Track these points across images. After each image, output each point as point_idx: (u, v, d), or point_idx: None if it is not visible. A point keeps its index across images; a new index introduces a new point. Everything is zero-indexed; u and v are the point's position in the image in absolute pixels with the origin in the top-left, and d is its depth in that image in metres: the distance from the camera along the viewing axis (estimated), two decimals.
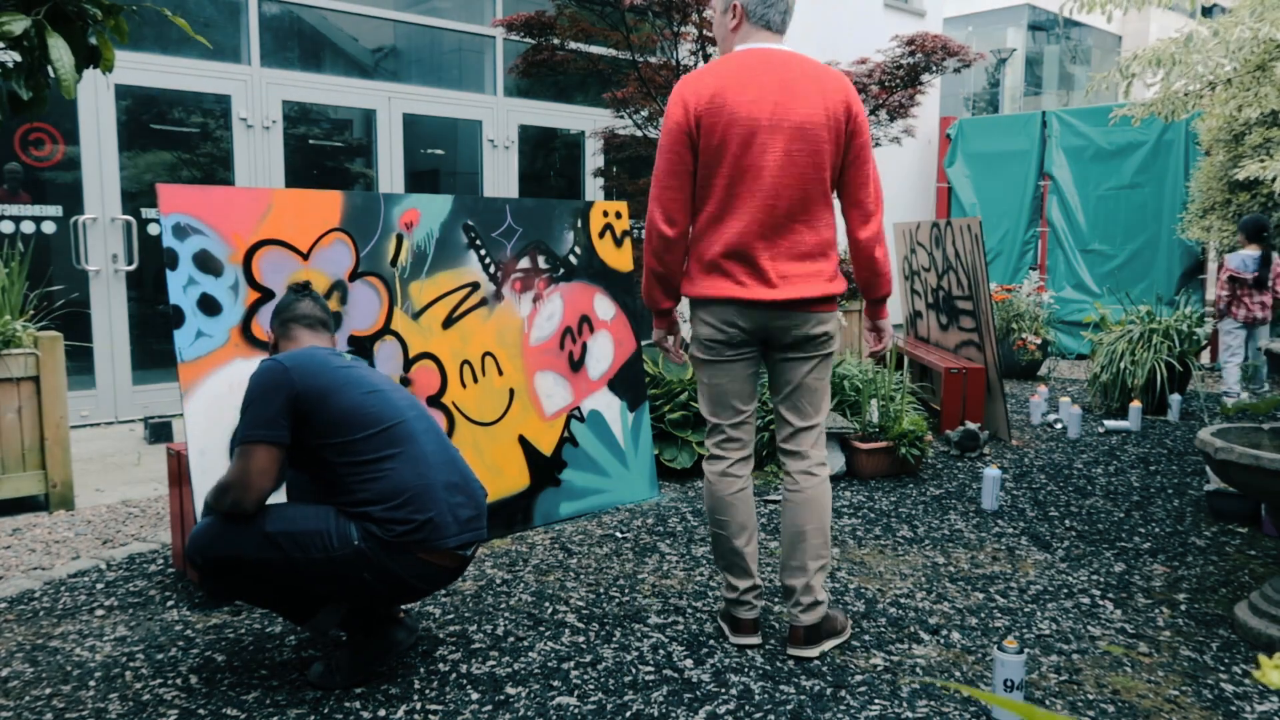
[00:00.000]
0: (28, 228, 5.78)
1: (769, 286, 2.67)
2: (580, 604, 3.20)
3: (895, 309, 9.49)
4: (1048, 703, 2.54)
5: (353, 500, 2.43)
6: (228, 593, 2.57)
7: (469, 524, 2.57)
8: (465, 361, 3.86)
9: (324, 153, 7.31)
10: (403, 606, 2.85)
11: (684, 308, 2.91)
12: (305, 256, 3.41)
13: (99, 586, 3.37)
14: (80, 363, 5.87)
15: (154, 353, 6.32)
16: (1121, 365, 6.68)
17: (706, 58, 5.54)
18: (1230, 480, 3.05)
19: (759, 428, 5.06)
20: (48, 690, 2.59)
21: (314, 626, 2.54)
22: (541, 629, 3.00)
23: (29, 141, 5.75)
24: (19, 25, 2.22)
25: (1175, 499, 4.60)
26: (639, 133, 5.99)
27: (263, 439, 2.37)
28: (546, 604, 3.20)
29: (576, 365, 4.21)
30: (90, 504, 4.41)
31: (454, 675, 2.67)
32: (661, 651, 2.83)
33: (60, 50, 2.28)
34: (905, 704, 2.52)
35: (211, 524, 2.46)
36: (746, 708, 2.48)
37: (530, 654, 2.81)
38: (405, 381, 3.67)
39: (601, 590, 3.32)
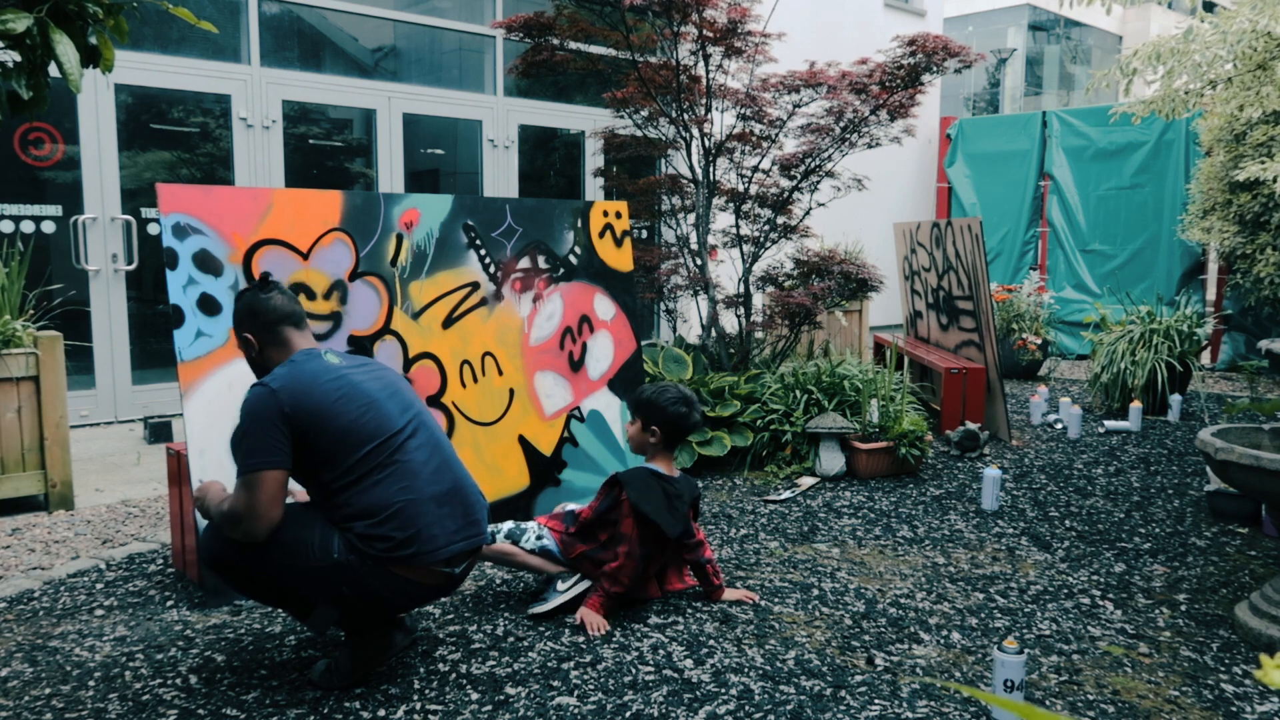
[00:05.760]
0: (27, 227, 5.77)
1: None
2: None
3: (895, 309, 9.49)
4: (1048, 703, 2.54)
5: (339, 515, 2.45)
6: (233, 589, 2.61)
7: (457, 534, 2.55)
8: (465, 361, 3.86)
9: (324, 152, 7.31)
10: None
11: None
12: (305, 256, 3.41)
13: (99, 586, 3.37)
14: (80, 362, 5.87)
15: (154, 352, 6.32)
16: (1122, 365, 6.67)
17: (707, 58, 5.53)
18: (1230, 480, 3.05)
19: (759, 428, 5.05)
20: (47, 690, 2.59)
21: (312, 625, 2.55)
22: (541, 629, 2.99)
23: (29, 141, 5.75)
24: (21, 23, 2.22)
25: (1176, 499, 4.60)
26: (639, 133, 5.98)
27: (263, 465, 2.34)
28: None
29: (576, 365, 4.20)
30: (90, 504, 4.41)
31: (454, 675, 2.67)
32: (661, 651, 2.83)
33: (66, 47, 2.28)
34: (905, 704, 2.51)
35: (214, 528, 2.51)
36: (746, 708, 2.48)
37: (530, 654, 2.81)
38: None
39: None
